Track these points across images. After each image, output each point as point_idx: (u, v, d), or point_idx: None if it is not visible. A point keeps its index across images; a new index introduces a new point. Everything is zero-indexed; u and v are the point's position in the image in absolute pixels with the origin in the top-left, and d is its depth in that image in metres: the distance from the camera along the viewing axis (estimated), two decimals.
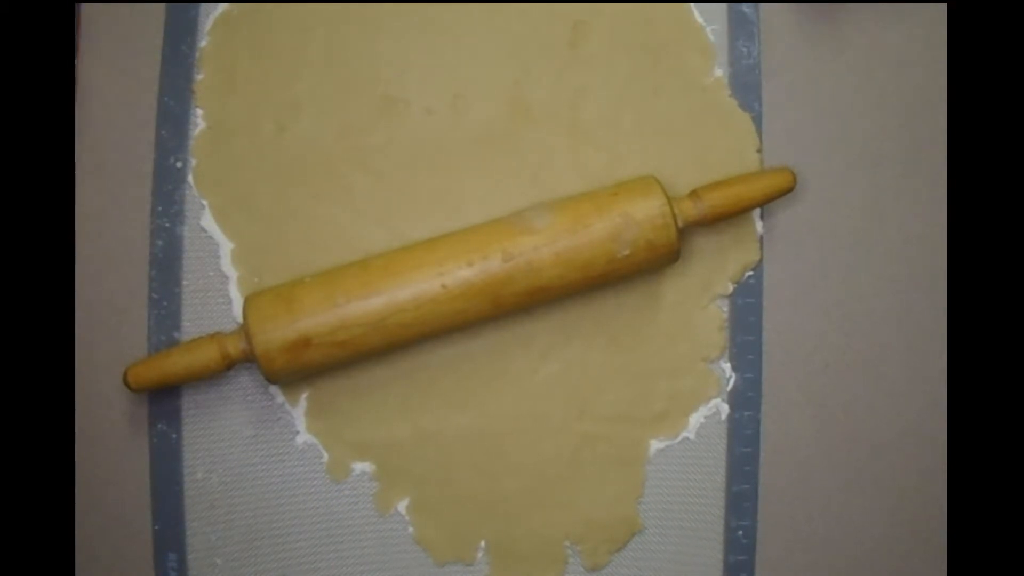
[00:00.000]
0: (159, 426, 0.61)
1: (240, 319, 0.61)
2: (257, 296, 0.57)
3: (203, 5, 0.63)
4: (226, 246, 0.62)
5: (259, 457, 0.62)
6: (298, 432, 0.62)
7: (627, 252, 0.56)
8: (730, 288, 0.63)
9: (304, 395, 0.62)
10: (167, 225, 0.62)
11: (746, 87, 0.63)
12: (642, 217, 0.56)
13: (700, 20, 0.63)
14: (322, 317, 0.55)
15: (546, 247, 0.56)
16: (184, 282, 0.62)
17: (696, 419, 0.62)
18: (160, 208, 0.62)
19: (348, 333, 0.56)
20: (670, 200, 0.57)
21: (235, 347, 0.57)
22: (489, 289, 0.56)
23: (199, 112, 0.62)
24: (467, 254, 0.56)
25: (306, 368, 0.57)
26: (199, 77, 0.62)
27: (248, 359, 0.57)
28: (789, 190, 0.59)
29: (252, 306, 0.56)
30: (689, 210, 0.58)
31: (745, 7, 0.64)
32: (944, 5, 0.64)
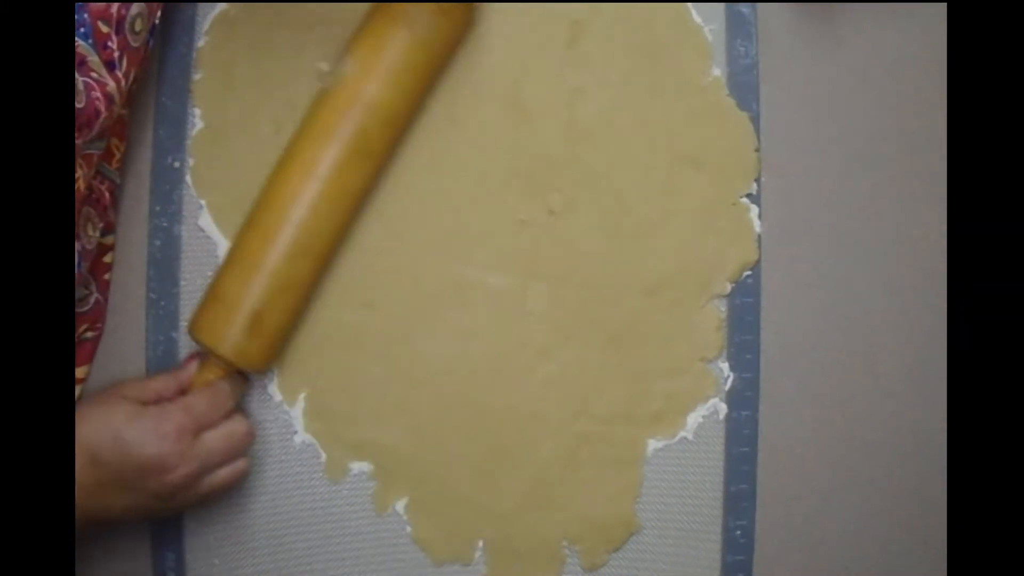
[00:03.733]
0: None
1: None
2: (195, 318, 0.57)
3: (200, 5, 0.62)
4: (224, 246, 0.62)
5: (257, 457, 0.62)
6: (296, 432, 0.62)
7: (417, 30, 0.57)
8: (728, 288, 0.63)
9: (302, 395, 0.62)
10: (165, 225, 0.62)
11: (744, 87, 0.63)
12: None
13: (698, 20, 0.63)
14: (251, 285, 0.56)
15: (366, 84, 0.57)
16: (182, 282, 0.62)
17: (694, 419, 0.62)
18: (158, 208, 0.62)
19: (278, 279, 0.56)
20: None
21: (214, 371, 0.57)
22: (356, 151, 0.57)
23: (197, 112, 0.62)
24: (322, 146, 0.57)
25: (276, 334, 0.57)
26: (197, 77, 0.62)
27: (230, 370, 0.57)
28: None
29: (197, 328, 0.56)
30: None
31: (743, 7, 0.64)
32: (941, 5, 0.64)
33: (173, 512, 0.56)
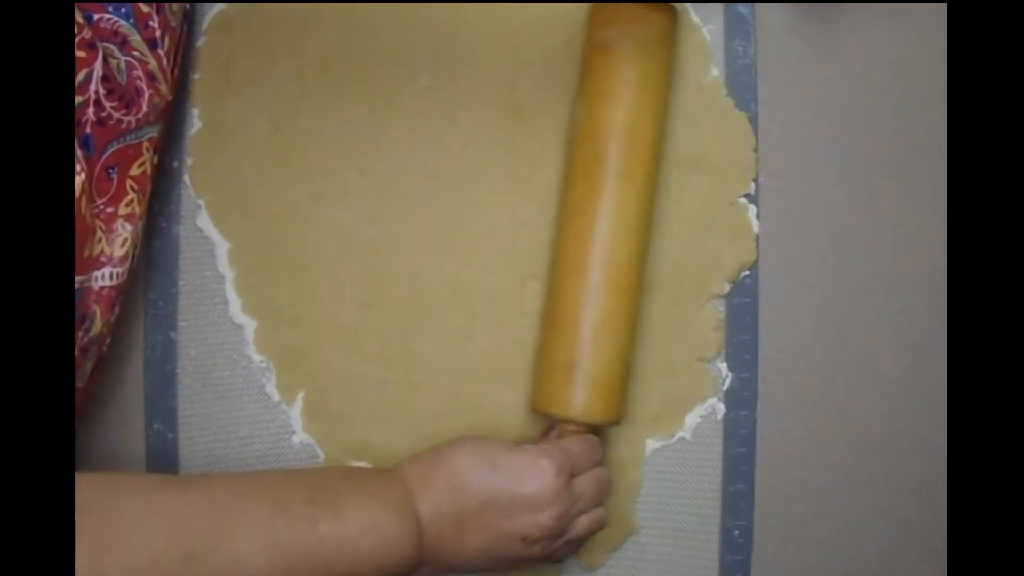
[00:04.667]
0: (155, 426, 0.61)
1: (235, 320, 0.61)
2: (537, 393, 0.58)
3: (199, 5, 0.62)
4: (222, 246, 0.62)
5: (255, 457, 0.62)
6: (294, 432, 0.62)
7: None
8: (726, 288, 0.63)
9: (300, 395, 0.62)
10: (163, 225, 0.62)
11: (742, 87, 0.63)
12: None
13: (696, 20, 0.63)
14: (570, 342, 0.57)
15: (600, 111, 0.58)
16: (180, 282, 0.62)
17: (692, 419, 0.62)
18: (156, 208, 0.62)
19: (591, 327, 0.56)
20: None
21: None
22: (620, 176, 0.57)
23: (195, 112, 0.62)
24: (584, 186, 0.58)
25: (606, 379, 0.56)
26: (195, 76, 0.62)
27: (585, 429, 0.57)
28: None
29: (540, 401, 0.57)
30: None
31: (741, 7, 0.64)
32: (938, 5, 0.64)
33: (522, 563, 0.52)
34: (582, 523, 0.53)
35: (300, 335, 0.61)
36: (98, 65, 0.49)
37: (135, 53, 0.52)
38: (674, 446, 0.62)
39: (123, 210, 0.54)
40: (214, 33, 0.62)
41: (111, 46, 0.51)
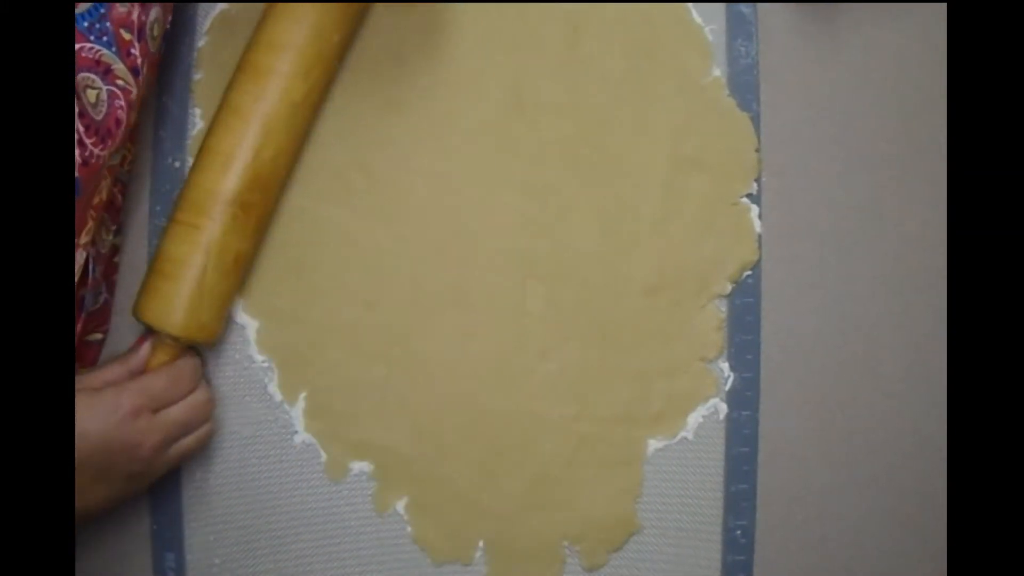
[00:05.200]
0: None
1: (238, 320, 0.61)
2: (139, 297, 0.56)
3: (201, 5, 0.62)
4: None
5: (257, 457, 0.62)
6: (296, 432, 0.62)
7: None
8: (728, 288, 0.63)
9: (302, 395, 0.62)
10: (164, 225, 0.62)
11: (744, 87, 0.63)
12: None
13: (698, 20, 0.63)
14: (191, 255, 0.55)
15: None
16: None
17: (694, 419, 0.62)
18: (158, 208, 0.62)
19: (216, 244, 0.56)
20: None
21: (167, 351, 0.56)
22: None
23: (197, 112, 0.62)
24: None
25: (220, 301, 0.56)
26: (197, 77, 0.62)
27: (183, 347, 0.57)
28: None
29: (141, 309, 0.56)
30: None
31: (743, 7, 0.64)
32: (940, 5, 0.64)
33: (147, 486, 0.56)
34: (187, 442, 0.56)
35: (302, 335, 0.61)
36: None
37: (119, 82, 0.51)
38: (676, 446, 0.62)
39: (83, 239, 0.53)
40: (216, 33, 0.62)
41: (92, 76, 0.50)
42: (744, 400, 0.63)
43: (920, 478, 0.63)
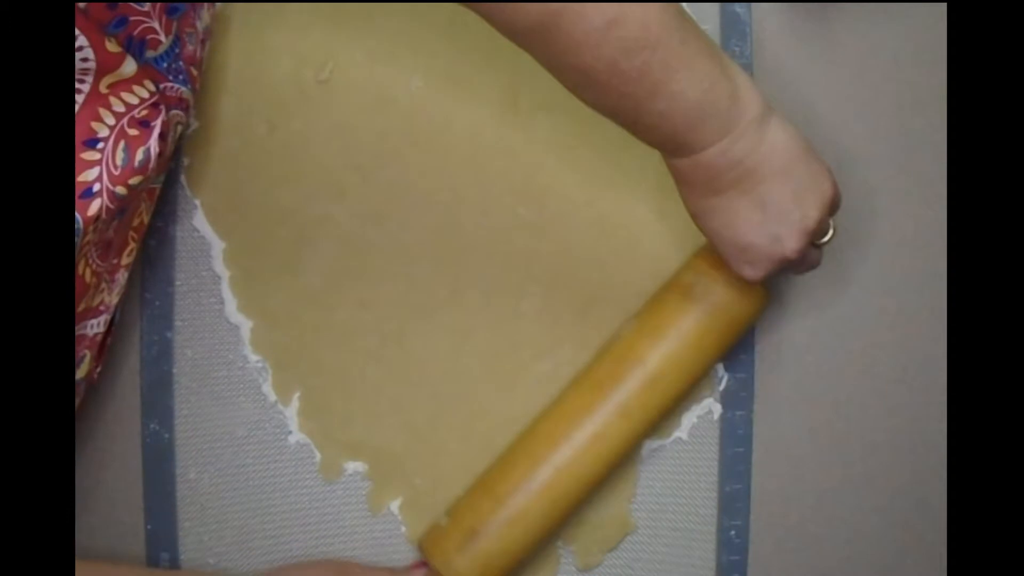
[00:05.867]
0: (151, 426, 0.61)
1: (232, 320, 0.61)
2: (428, 532, 0.59)
3: (198, 5, 0.62)
4: (218, 245, 0.62)
5: (252, 457, 0.62)
6: (291, 432, 0.62)
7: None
8: None
9: (296, 395, 0.62)
10: (159, 224, 0.62)
11: None
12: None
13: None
14: (480, 510, 0.57)
15: (641, 346, 0.58)
16: (177, 282, 0.62)
17: (688, 419, 0.62)
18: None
19: (510, 509, 0.57)
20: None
21: None
22: (620, 411, 0.57)
23: (192, 112, 0.62)
24: (588, 398, 0.58)
25: (495, 562, 0.57)
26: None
27: None
28: None
29: (426, 544, 0.58)
30: None
31: (737, 7, 0.63)
32: (936, 5, 0.64)
33: None
34: None
35: (296, 335, 0.61)
36: (154, 143, 0.49)
37: (190, 118, 0.54)
38: (670, 446, 0.62)
39: (124, 260, 0.54)
40: (212, 32, 0.62)
41: (179, 112, 0.52)
42: (738, 400, 0.63)
43: (917, 478, 0.63)
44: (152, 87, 0.49)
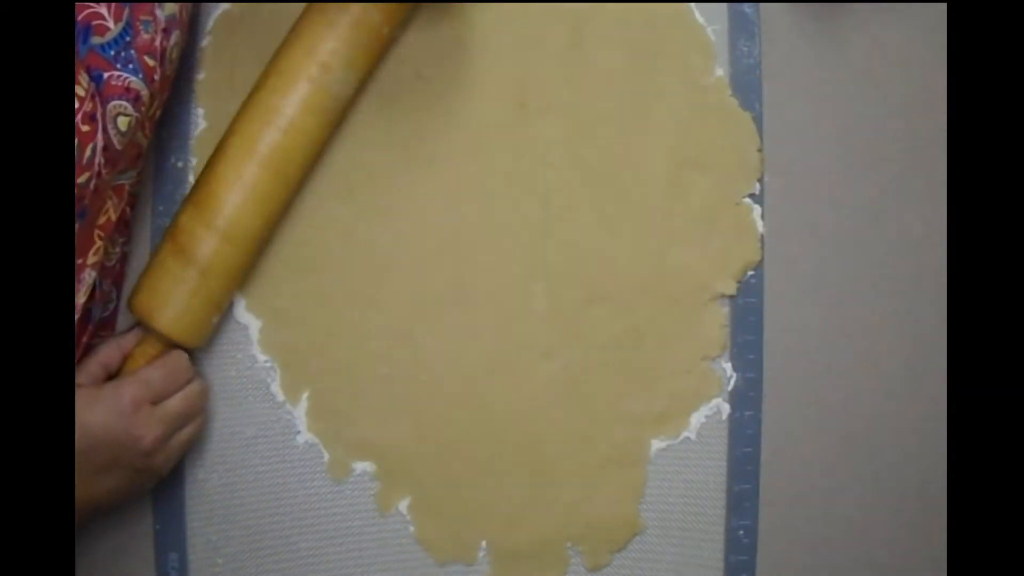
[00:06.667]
0: None
1: (240, 319, 0.61)
2: (134, 290, 0.57)
3: (203, 5, 0.62)
4: None
5: (260, 457, 0.62)
6: (299, 432, 0.62)
7: None
8: (733, 287, 0.63)
9: (305, 395, 0.62)
10: (168, 225, 0.62)
11: (747, 87, 0.63)
12: None
13: (701, 20, 0.63)
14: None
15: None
16: None
17: (697, 419, 0.62)
18: (161, 208, 0.62)
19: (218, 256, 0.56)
20: None
21: (154, 345, 0.57)
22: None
23: (200, 112, 0.62)
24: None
25: (211, 307, 0.57)
26: (200, 76, 0.62)
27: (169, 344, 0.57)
28: None
29: (135, 302, 0.57)
30: None
31: (746, 7, 0.63)
32: (942, 5, 0.64)
33: (152, 480, 0.57)
34: (185, 432, 0.57)
35: (304, 335, 0.61)
36: (99, 137, 0.49)
37: (143, 108, 0.52)
38: (679, 446, 0.62)
39: (91, 259, 0.54)
40: (219, 33, 0.62)
41: (124, 103, 0.51)
42: (747, 400, 0.63)
43: (923, 478, 0.63)
44: (84, 81, 0.48)
